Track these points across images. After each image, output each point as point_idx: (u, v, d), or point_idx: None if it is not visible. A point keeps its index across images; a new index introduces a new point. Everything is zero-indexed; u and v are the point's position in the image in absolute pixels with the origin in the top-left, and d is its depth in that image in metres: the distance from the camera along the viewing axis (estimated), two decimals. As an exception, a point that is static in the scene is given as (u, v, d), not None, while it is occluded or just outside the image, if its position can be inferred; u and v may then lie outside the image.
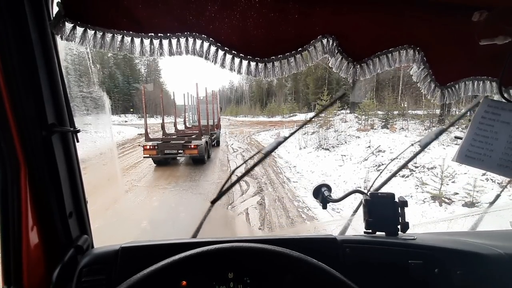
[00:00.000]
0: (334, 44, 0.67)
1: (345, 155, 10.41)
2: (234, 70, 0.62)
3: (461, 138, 0.80)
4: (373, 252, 0.77)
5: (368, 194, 0.82)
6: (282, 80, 62.73)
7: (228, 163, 9.25)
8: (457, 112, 15.24)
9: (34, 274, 0.63)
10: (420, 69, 0.70)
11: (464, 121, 10.65)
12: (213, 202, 0.92)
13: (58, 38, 0.60)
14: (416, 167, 8.10)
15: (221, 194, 0.89)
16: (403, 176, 7.78)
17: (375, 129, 13.58)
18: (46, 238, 0.66)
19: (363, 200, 0.83)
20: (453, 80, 0.72)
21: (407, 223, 0.80)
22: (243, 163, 1.10)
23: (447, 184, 6.54)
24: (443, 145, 9.53)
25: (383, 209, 0.81)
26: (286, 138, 0.87)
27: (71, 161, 0.70)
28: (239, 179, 0.99)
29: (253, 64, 0.63)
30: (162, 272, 0.55)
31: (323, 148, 11.78)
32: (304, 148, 12.34)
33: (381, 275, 0.63)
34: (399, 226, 0.80)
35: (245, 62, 0.63)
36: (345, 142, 12.19)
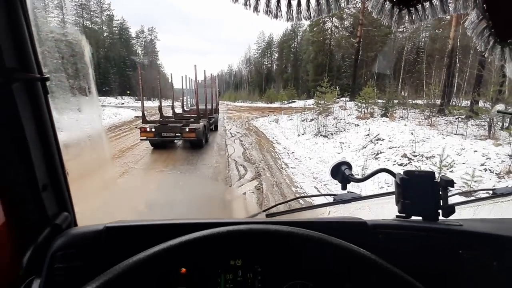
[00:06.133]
0: None
1: (343, 143, 10.34)
2: (250, 6, 0.48)
3: (506, 112, 0.67)
4: (413, 239, 0.66)
5: (403, 172, 0.70)
6: (282, 66, 61.63)
7: (226, 147, 9.13)
8: (457, 103, 15.14)
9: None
10: (479, 19, 0.56)
11: (464, 111, 10.53)
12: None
13: None
14: (415, 156, 8.06)
15: None
16: (401, 165, 7.77)
17: (375, 117, 13.46)
18: (14, 215, 0.54)
19: (397, 180, 0.71)
20: None
21: (452, 206, 0.68)
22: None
23: (445, 173, 6.54)
24: (442, 134, 9.48)
25: (421, 190, 0.69)
26: None
27: (41, 119, 0.56)
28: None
29: (273, 1, 0.49)
30: (158, 258, 0.44)
31: (321, 135, 11.69)
32: (303, 134, 12.24)
33: (424, 267, 0.53)
34: (440, 211, 0.69)
35: (263, -2, 0.49)
36: (344, 130, 12.10)
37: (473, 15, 0.56)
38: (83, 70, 0.71)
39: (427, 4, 0.54)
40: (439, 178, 0.69)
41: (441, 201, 0.68)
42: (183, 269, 0.59)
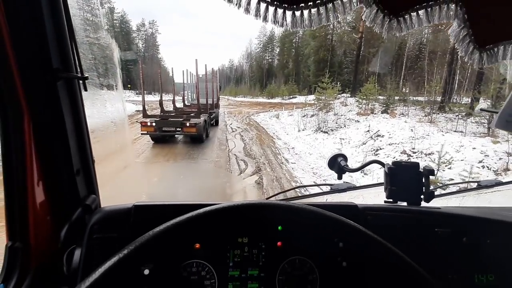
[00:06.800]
0: None
1: (343, 139, 10.42)
2: (260, 17, 0.55)
3: (487, 110, 0.75)
4: (397, 220, 0.75)
5: (391, 163, 0.79)
6: (283, 61, 61.32)
7: (226, 142, 9.22)
8: (458, 101, 15.16)
9: (41, 231, 0.60)
10: (460, 28, 0.64)
11: (464, 109, 10.62)
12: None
13: None
14: (414, 152, 8.15)
15: None
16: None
17: (375, 113, 13.50)
18: (53, 195, 0.62)
19: (386, 169, 0.80)
20: (494, 43, 0.67)
21: (432, 192, 0.77)
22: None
23: (443, 170, 6.62)
24: (442, 131, 9.55)
25: (406, 179, 0.78)
26: None
27: (78, 113, 0.65)
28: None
29: (280, 11, 0.57)
30: (182, 227, 0.52)
31: (322, 131, 11.76)
32: (303, 130, 12.30)
33: (406, 243, 0.62)
34: (422, 196, 0.78)
35: (271, 9, 0.56)
36: (344, 126, 12.16)
37: (454, 24, 0.64)
38: (111, 69, 0.79)
39: (414, 14, 0.61)
40: (422, 168, 0.78)
41: (423, 188, 0.77)
42: (197, 244, 0.68)
